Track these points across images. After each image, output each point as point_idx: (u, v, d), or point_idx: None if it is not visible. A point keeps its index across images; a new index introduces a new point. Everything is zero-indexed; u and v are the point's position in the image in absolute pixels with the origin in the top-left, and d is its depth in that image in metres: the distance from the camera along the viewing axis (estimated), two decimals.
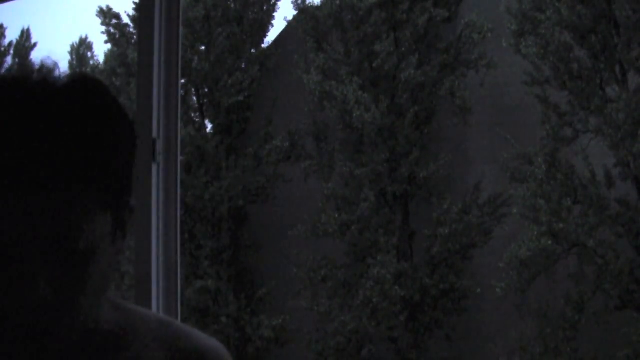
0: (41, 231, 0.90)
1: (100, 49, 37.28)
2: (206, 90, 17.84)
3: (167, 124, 2.31)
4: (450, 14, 16.09)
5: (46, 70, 0.97)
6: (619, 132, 13.21)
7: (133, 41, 18.01)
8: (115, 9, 18.90)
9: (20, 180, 0.88)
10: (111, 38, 18.87)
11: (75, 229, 0.91)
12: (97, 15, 18.77)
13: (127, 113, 0.99)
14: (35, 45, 25.29)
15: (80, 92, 0.95)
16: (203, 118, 17.95)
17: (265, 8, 18.19)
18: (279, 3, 18.34)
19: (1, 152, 0.88)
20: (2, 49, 24.74)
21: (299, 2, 17.03)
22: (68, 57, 26.39)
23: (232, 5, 17.94)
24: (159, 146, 2.27)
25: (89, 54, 26.55)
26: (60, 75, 0.97)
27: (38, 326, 0.92)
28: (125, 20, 18.68)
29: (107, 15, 18.71)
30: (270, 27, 18.36)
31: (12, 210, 0.89)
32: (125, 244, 1.02)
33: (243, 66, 17.89)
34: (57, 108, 0.91)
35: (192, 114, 17.99)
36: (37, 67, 0.97)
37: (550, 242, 13.46)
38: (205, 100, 17.88)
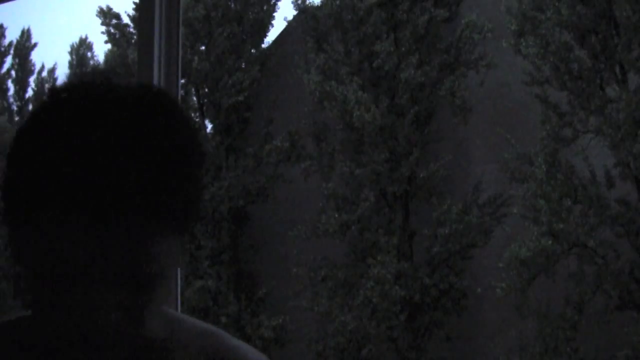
0: (113, 257, 0.88)
1: (100, 49, 37.23)
2: (206, 90, 17.84)
3: None
4: (450, 14, 16.08)
5: (122, 86, 0.93)
6: (619, 132, 13.20)
7: (133, 41, 18.01)
8: (115, 9, 18.91)
9: (94, 205, 0.86)
10: (111, 38, 18.87)
11: (146, 255, 0.90)
12: (97, 15, 18.78)
13: (203, 142, 0.97)
14: (35, 45, 25.30)
15: (158, 113, 0.91)
16: (203, 118, 17.95)
17: (265, 8, 18.19)
18: (279, 3, 18.35)
19: (77, 177, 0.86)
20: (2, 49, 24.73)
21: (299, 2, 17.04)
22: (68, 57, 26.41)
23: (232, 5, 17.94)
24: None
25: (89, 54, 26.55)
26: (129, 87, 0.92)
27: (105, 348, 0.90)
28: (125, 20, 18.69)
29: (107, 15, 18.71)
30: (270, 27, 18.37)
31: (85, 236, 0.87)
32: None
33: (243, 66, 17.88)
34: (136, 131, 0.89)
35: (192, 114, 17.99)
36: (103, 80, 0.94)
37: (550, 242, 13.46)
38: (205, 100, 17.89)
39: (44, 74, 25.48)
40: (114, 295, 0.89)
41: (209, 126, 17.91)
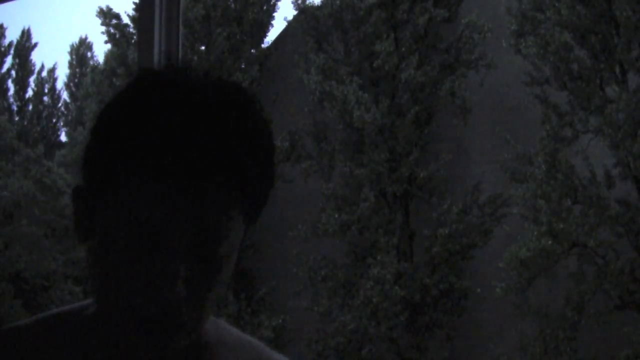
0: (189, 230, 0.89)
1: (100, 49, 37.29)
2: None
3: None
4: (450, 14, 16.09)
5: (201, 70, 0.96)
6: (619, 132, 13.20)
7: (133, 41, 18.01)
8: (115, 9, 18.92)
9: (178, 176, 0.87)
10: (111, 38, 18.87)
11: (220, 234, 0.91)
12: (97, 16, 18.78)
13: (271, 127, 0.99)
14: (35, 45, 25.31)
15: (236, 94, 0.94)
16: None
17: (265, 8, 18.20)
18: (279, 3, 18.35)
19: (166, 143, 0.87)
20: (2, 49, 24.74)
21: (299, 2, 17.04)
22: (68, 57, 26.42)
23: (232, 5, 17.94)
24: None
25: (89, 54, 26.57)
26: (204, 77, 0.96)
27: (167, 323, 0.90)
28: (125, 20, 18.69)
29: (107, 16, 18.72)
30: (270, 27, 18.37)
31: (167, 203, 0.88)
32: None
33: (243, 66, 17.89)
34: (219, 107, 0.91)
35: None
36: (191, 64, 0.97)
37: (550, 242, 13.46)
38: None
39: (44, 74, 25.51)
40: (183, 269, 0.89)
41: None
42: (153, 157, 0.88)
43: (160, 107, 0.89)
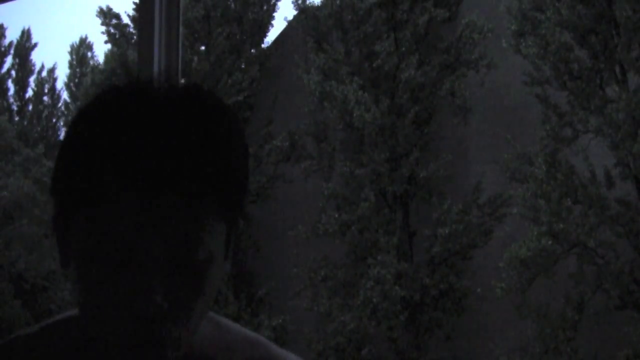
0: (161, 238, 0.87)
1: (100, 49, 37.28)
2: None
3: None
4: (450, 14, 16.09)
5: (164, 81, 0.95)
6: (619, 132, 13.20)
7: (133, 41, 18.01)
8: (115, 9, 18.95)
9: (144, 188, 0.86)
10: (111, 38, 18.88)
11: (196, 238, 0.89)
12: (97, 15, 18.80)
13: (243, 128, 0.97)
14: (35, 45, 25.32)
15: (201, 100, 0.93)
16: None
17: (265, 8, 18.21)
18: (279, 3, 18.37)
19: (130, 156, 0.86)
20: (2, 49, 24.75)
21: (299, 2, 17.04)
22: (68, 57, 26.42)
23: (232, 5, 17.95)
24: None
25: (89, 54, 26.58)
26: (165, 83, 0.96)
27: (151, 337, 0.89)
28: (125, 20, 18.70)
29: (107, 15, 18.72)
30: (270, 27, 18.38)
31: (135, 217, 0.87)
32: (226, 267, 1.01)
33: (243, 66, 17.89)
34: (183, 115, 0.90)
35: None
36: (155, 76, 0.97)
37: (550, 242, 13.46)
38: None
39: (44, 74, 25.52)
40: (161, 280, 0.88)
41: None
42: (117, 171, 0.87)
43: (122, 121, 0.88)
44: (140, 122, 0.88)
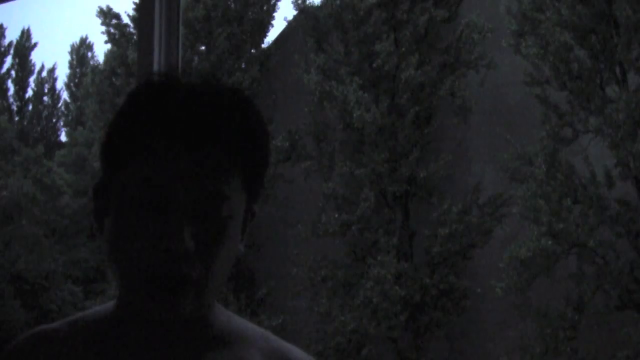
0: (193, 189, 1.01)
1: (100, 49, 37.27)
2: None
3: None
4: (450, 14, 16.09)
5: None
6: (619, 132, 13.20)
7: (133, 41, 18.01)
8: (115, 9, 18.93)
9: (185, 139, 1.02)
10: (111, 38, 18.88)
11: (221, 193, 1.03)
12: (97, 15, 18.79)
13: (266, 122, 1.12)
14: (35, 45, 25.31)
15: (234, 93, 1.09)
16: None
17: (265, 8, 18.20)
18: (279, 3, 18.36)
19: (173, 121, 1.02)
20: (2, 49, 24.75)
21: (299, 2, 17.04)
22: (68, 57, 26.42)
23: (232, 5, 17.94)
24: None
25: (89, 54, 26.57)
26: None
27: (177, 272, 1.01)
28: (125, 20, 18.69)
29: (107, 15, 18.72)
30: (270, 27, 18.38)
31: (172, 168, 1.01)
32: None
33: (243, 66, 17.89)
34: (214, 95, 1.06)
35: None
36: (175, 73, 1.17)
37: (550, 242, 13.46)
38: None
39: (44, 74, 25.51)
40: (189, 224, 1.01)
41: None
42: (163, 132, 1.02)
43: (167, 97, 1.04)
44: (180, 97, 1.04)
